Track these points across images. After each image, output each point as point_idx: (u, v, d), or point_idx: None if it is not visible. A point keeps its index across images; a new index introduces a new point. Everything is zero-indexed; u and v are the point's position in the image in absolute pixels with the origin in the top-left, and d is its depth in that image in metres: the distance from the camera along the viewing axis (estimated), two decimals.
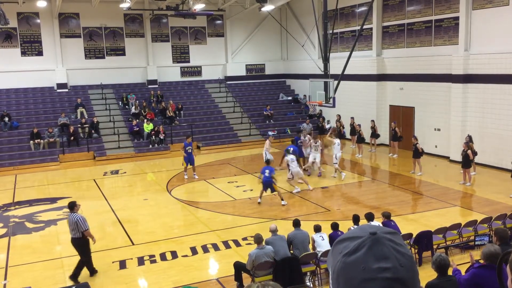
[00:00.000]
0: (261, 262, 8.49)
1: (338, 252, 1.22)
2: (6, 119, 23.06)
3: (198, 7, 23.77)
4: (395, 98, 22.46)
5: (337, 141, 17.30)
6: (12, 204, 15.26)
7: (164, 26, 28.92)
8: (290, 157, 15.55)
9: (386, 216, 9.97)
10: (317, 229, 9.58)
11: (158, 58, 28.81)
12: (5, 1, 21.90)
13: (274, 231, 9.22)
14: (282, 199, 14.19)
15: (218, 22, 29.97)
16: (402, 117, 22.01)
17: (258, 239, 8.71)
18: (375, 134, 21.65)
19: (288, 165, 15.56)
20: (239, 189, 16.33)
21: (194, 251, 10.90)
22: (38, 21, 26.24)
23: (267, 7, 25.13)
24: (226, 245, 11.21)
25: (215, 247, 11.14)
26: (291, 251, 9.13)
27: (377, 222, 9.42)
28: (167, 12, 25.63)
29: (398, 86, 22.11)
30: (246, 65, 30.83)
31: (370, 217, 9.66)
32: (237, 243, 11.25)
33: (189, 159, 17.62)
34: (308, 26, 26.97)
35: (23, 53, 26.10)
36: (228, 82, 30.01)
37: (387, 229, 1.23)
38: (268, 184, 14.01)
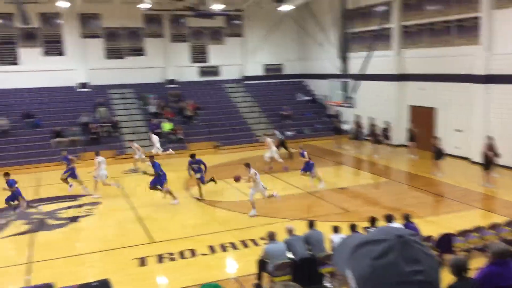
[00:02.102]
0: (280, 262, 8.52)
1: (362, 256, 1.21)
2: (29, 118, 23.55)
3: (217, 7, 23.88)
4: (415, 99, 22.23)
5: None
6: (35, 201, 15.55)
7: (182, 26, 29.11)
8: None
9: (406, 217, 9.89)
10: (336, 230, 9.55)
11: (176, 58, 29.02)
12: (28, 2, 22.35)
13: (291, 231, 9.24)
14: None
15: (236, 22, 30.06)
16: (422, 118, 21.77)
17: (271, 235, 8.88)
18: (387, 135, 21.57)
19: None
20: None
21: (212, 249, 10.98)
22: (60, 21, 26.68)
23: (285, 7, 25.10)
24: (244, 244, 11.26)
25: (233, 246, 11.20)
26: (309, 252, 9.13)
27: (397, 224, 9.35)
28: (186, 13, 25.80)
29: (418, 86, 21.88)
30: (264, 65, 30.86)
31: (390, 218, 9.59)
32: (255, 243, 11.28)
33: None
34: (326, 25, 26.87)
35: (46, 53, 26.58)
36: (246, 82, 30.07)
37: (409, 231, 1.23)
38: None
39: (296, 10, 27.82)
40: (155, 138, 21.29)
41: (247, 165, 13.86)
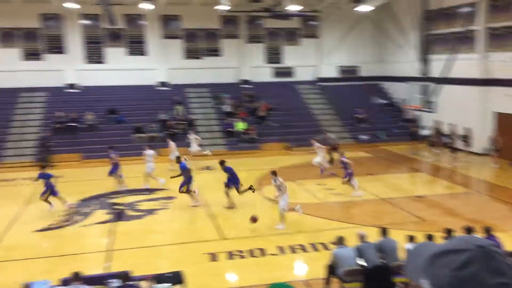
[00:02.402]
0: (351, 269, 8.37)
1: (441, 266, 1.17)
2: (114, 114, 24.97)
3: (294, 8, 23.89)
4: (501, 105, 20.87)
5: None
6: (116, 193, 16.45)
7: (258, 27, 29.45)
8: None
9: (487, 230, 9.33)
10: (411, 239, 9.21)
11: (251, 59, 29.40)
12: (115, 4, 23.67)
13: (363, 238, 9.03)
14: None
15: (312, 23, 29.90)
16: (509, 126, 20.39)
17: (339, 239, 8.86)
18: (468, 143, 20.44)
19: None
20: (328, 192, 16.18)
21: (281, 250, 11.00)
22: (143, 22, 28.02)
23: (364, 8, 24.59)
24: (314, 247, 11.17)
25: (303, 248, 11.16)
26: (381, 260, 8.88)
27: (478, 236, 8.84)
28: (262, 14, 26.08)
29: (505, 92, 20.52)
30: (339, 66, 30.42)
31: (469, 230, 9.09)
32: (325, 247, 11.16)
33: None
34: (406, 26, 25.99)
35: (129, 53, 28.03)
36: (321, 84, 29.82)
37: (490, 242, 1.19)
38: None
39: (374, 11, 27.19)
40: (193, 137, 21.53)
41: (274, 173, 12.92)
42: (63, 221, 13.47)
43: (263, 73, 29.65)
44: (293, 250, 11.05)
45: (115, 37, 27.69)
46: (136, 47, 28.13)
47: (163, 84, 28.26)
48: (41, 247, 11.75)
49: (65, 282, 7.69)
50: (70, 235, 12.38)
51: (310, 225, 12.81)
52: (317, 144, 19.00)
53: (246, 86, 28.95)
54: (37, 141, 22.75)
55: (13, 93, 25.85)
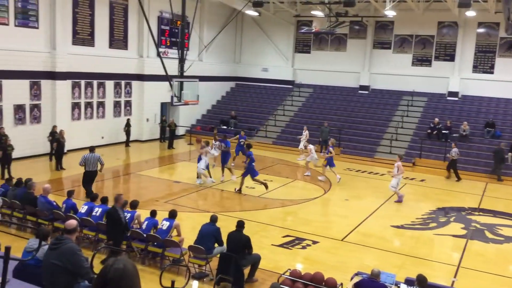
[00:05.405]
0: None
1: None
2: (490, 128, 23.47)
3: None
4: None
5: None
6: (476, 210, 15.60)
7: None
8: None
9: None
10: None
11: None
12: None
13: None
14: None
15: None
16: None
17: None
18: None
19: None
20: None
21: None
22: None
23: None
24: None
25: None
26: None
27: None
28: None
29: None
30: None
31: None
32: None
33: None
34: None
35: None
36: None
37: None
38: None
39: None
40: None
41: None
42: (417, 224, 13.81)
43: None
44: None
45: (509, 47, 25.73)
46: None
47: None
48: (393, 242, 12.45)
49: (409, 282, 7.95)
50: (423, 239, 12.58)
51: None
52: None
53: None
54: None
55: (398, 95, 27.93)
